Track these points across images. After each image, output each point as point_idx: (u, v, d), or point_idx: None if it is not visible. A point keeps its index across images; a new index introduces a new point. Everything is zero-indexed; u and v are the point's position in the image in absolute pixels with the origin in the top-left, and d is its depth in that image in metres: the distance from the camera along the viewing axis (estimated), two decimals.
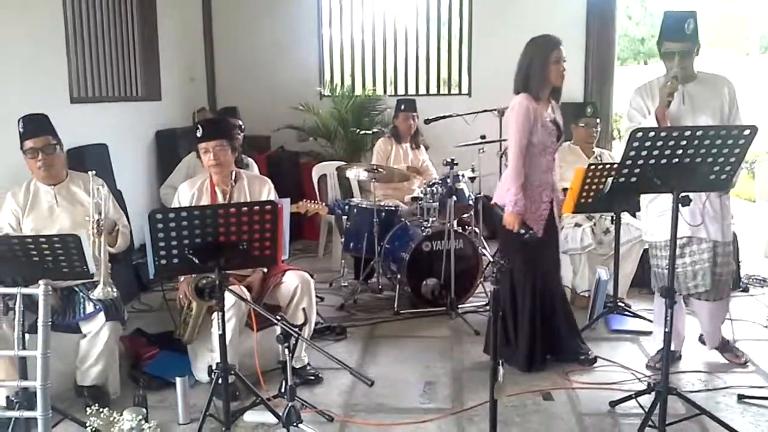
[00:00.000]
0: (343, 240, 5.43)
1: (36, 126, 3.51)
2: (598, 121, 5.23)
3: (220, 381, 3.05)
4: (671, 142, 2.81)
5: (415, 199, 5.47)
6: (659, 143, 2.80)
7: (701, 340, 4.09)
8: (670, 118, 3.47)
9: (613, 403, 3.44)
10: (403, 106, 5.86)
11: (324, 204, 5.09)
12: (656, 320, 3.92)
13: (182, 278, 3.71)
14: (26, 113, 3.54)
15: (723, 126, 3.24)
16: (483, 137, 5.56)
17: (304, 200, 4.82)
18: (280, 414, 2.97)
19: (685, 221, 3.38)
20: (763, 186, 6.36)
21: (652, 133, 2.79)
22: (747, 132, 2.83)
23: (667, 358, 3.09)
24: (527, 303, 3.80)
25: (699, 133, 2.82)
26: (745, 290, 5.26)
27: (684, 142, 2.81)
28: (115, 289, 3.26)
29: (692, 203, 3.46)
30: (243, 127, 5.31)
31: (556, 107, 3.85)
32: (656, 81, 3.61)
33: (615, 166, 3.77)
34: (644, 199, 3.76)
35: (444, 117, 5.83)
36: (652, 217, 3.68)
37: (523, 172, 3.66)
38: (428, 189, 5.13)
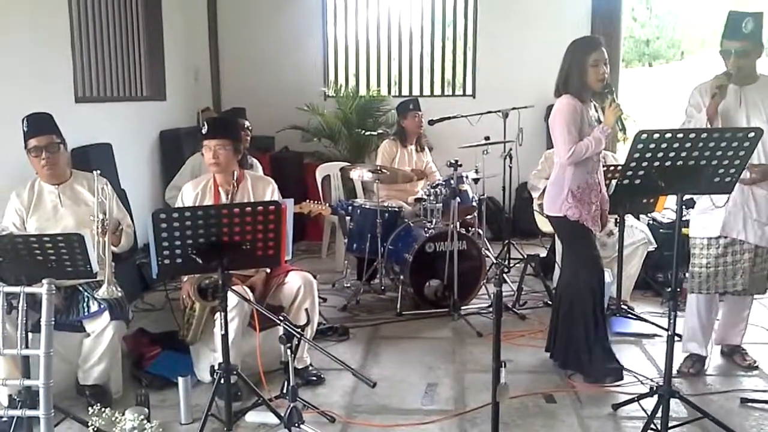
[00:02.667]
0: (346, 241, 5.43)
1: (40, 125, 3.51)
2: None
3: (222, 381, 3.05)
4: (675, 144, 2.80)
5: (418, 200, 5.47)
6: (663, 145, 2.80)
7: (723, 351, 4.08)
8: (724, 117, 3.47)
9: (616, 406, 3.43)
10: (411, 105, 5.84)
11: (327, 204, 5.08)
12: (688, 322, 3.87)
13: (185, 278, 3.71)
14: (31, 113, 3.54)
15: (727, 128, 3.22)
16: (487, 138, 5.55)
17: (308, 200, 4.82)
18: (282, 414, 2.97)
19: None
20: None
21: (656, 135, 2.79)
22: (752, 134, 2.82)
23: (670, 359, 3.08)
24: (599, 304, 3.74)
25: (703, 135, 2.82)
26: None
27: (688, 145, 2.81)
28: (119, 289, 3.26)
29: (736, 203, 3.53)
30: (251, 128, 5.30)
31: (599, 109, 3.79)
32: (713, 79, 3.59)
33: (619, 168, 3.78)
34: None
35: (448, 118, 5.83)
36: (698, 211, 3.67)
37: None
38: (432, 190, 5.13)
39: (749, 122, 3.46)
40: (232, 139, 3.74)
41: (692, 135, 2.81)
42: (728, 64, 3.49)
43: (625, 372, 3.80)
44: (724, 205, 3.53)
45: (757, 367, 3.90)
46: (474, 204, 5.41)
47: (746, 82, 3.54)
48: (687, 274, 3.79)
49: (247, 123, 5.20)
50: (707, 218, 3.62)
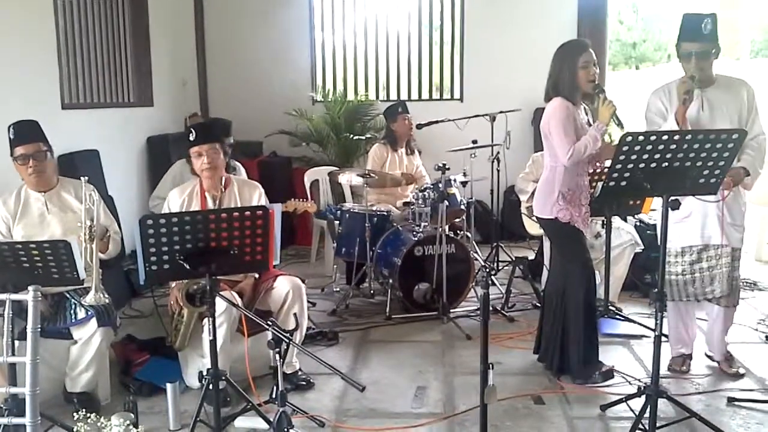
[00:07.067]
0: (335, 245, 5.43)
1: (27, 132, 3.50)
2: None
3: (210, 387, 3.05)
4: (660, 147, 2.82)
5: (407, 203, 5.47)
6: (649, 147, 2.82)
7: (708, 355, 4.01)
8: (690, 123, 3.45)
9: (604, 407, 3.45)
10: (400, 109, 5.86)
11: (312, 201, 5.06)
12: (671, 326, 3.90)
13: (173, 284, 3.71)
14: (17, 120, 3.53)
15: (711, 130, 3.24)
16: (475, 142, 5.58)
17: (293, 199, 4.79)
18: (272, 420, 2.97)
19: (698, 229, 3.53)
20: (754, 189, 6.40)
21: (641, 138, 2.81)
22: (735, 136, 2.85)
23: (658, 360, 3.09)
24: (589, 305, 3.73)
25: (688, 137, 2.84)
26: None
27: (673, 147, 2.83)
28: (106, 295, 3.25)
29: (709, 211, 3.54)
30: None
31: (589, 111, 3.80)
32: (674, 83, 3.57)
33: (605, 170, 3.79)
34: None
35: (436, 122, 5.86)
36: (671, 221, 3.55)
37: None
38: (420, 194, 5.14)
39: (714, 125, 3.46)
40: (220, 142, 3.76)
41: (677, 137, 2.83)
42: (689, 67, 3.49)
43: (613, 372, 3.81)
44: (688, 215, 3.56)
45: (743, 375, 3.82)
46: (462, 207, 5.42)
47: (706, 84, 3.54)
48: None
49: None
50: (681, 227, 3.62)
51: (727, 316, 3.80)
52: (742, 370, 3.85)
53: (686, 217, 3.60)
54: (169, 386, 3.33)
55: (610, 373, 3.76)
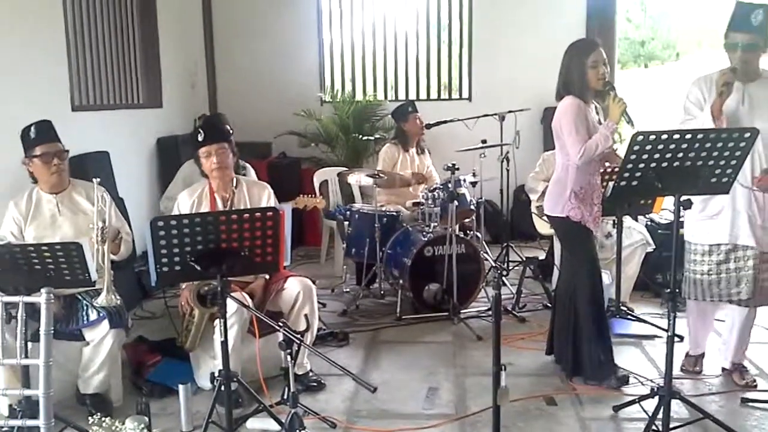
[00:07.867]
0: (344, 246, 5.43)
1: (49, 132, 3.54)
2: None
3: (222, 388, 3.05)
4: (672, 146, 2.80)
5: (416, 204, 5.47)
6: (660, 146, 2.80)
7: (727, 370, 3.84)
8: (728, 117, 3.35)
9: (617, 408, 3.43)
10: (410, 108, 5.85)
11: (321, 197, 5.05)
12: (690, 326, 3.87)
13: (184, 285, 3.71)
14: (28, 122, 3.54)
15: (723, 129, 3.21)
16: (484, 142, 5.57)
17: (302, 195, 4.77)
18: (283, 421, 2.96)
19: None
20: None
21: (653, 137, 2.79)
22: (747, 135, 2.83)
23: (671, 360, 3.08)
24: (598, 304, 3.71)
25: (700, 136, 2.82)
26: None
27: (685, 146, 2.81)
28: (118, 297, 3.26)
29: (740, 209, 3.44)
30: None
31: (600, 110, 3.77)
32: (716, 73, 3.41)
33: (616, 169, 3.78)
34: (695, 198, 3.50)
35: (445, 122, 5.87)
36: (700, 218, 3.51)
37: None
38: (430, 194, 5.13)
39: (752, 122, 3.32)
40: (228, 142, 3.77)
41: (688, 136, 2.81)
42: (734, 58, 3.36)
43: (626, 373, 3.78)
44: (718, 212, 3.48)
45: (756, 386, 3.70)
46: (472, 207, 5.41)
47: (749, 78, 3.41)
48: (685, 281, 3.64)
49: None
50: (710, 224, 3.52)
51: (749, 319, 3.70)
52: (754, 382, 3.73)
53: (716, 214, 3.49)
54: (181, 387, 3.34)
55: (625, 379, 3.73)
